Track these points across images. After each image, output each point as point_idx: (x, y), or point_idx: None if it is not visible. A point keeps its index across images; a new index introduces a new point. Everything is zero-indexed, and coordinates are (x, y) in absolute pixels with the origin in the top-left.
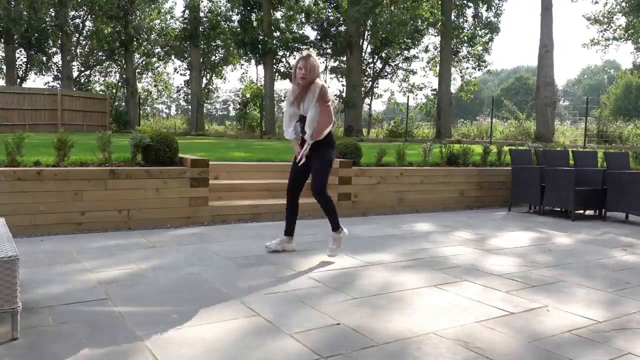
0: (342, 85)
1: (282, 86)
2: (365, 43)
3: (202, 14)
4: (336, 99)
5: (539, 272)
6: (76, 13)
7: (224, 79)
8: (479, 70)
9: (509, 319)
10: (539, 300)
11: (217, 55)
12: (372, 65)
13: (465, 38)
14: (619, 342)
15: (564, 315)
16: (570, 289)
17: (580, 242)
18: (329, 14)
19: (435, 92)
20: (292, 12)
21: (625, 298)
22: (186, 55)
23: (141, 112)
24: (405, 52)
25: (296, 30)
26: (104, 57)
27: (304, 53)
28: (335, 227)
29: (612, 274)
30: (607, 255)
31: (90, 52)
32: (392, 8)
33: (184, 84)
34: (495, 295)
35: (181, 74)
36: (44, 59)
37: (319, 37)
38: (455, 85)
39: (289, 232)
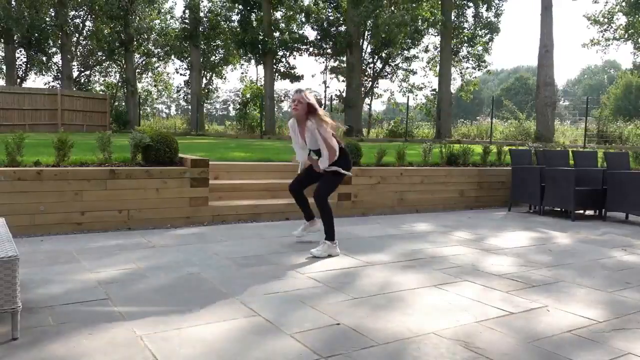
0: (343, 85)
1: (282, 86)
2: (365, 43)
3: (202, 14)
4: (333, 101)
5: (539, 272)
6: (76, 13)
7: (224, 79)
8: (479, 70)
9: (509, 319)
10: (538, 300)
11: (217, 55)
12: (372, 65)
13: (465, 38)
14: (619, 342)
15: (563, 315)
16: (570, 289)
17: (580, 242)
18: (329, 14)
19: (435, 92)
20: (292, 12)
21: (625, 298)
22: (186, 55)
23: (141, 112)
24: (405, 52)
25: (296, 30)
26: (104, 57)
27: (297, 88)
28: (330, 237)
29: (612, 274)
30: (607, 255)
31: (90, 52)
32: (392, 8)
33: (184, 84)
34: (495, 295)
35: (181, 74)
36: (44, 59)
37: (319, 37)
38: (455, 85)
39: (309, 216)
